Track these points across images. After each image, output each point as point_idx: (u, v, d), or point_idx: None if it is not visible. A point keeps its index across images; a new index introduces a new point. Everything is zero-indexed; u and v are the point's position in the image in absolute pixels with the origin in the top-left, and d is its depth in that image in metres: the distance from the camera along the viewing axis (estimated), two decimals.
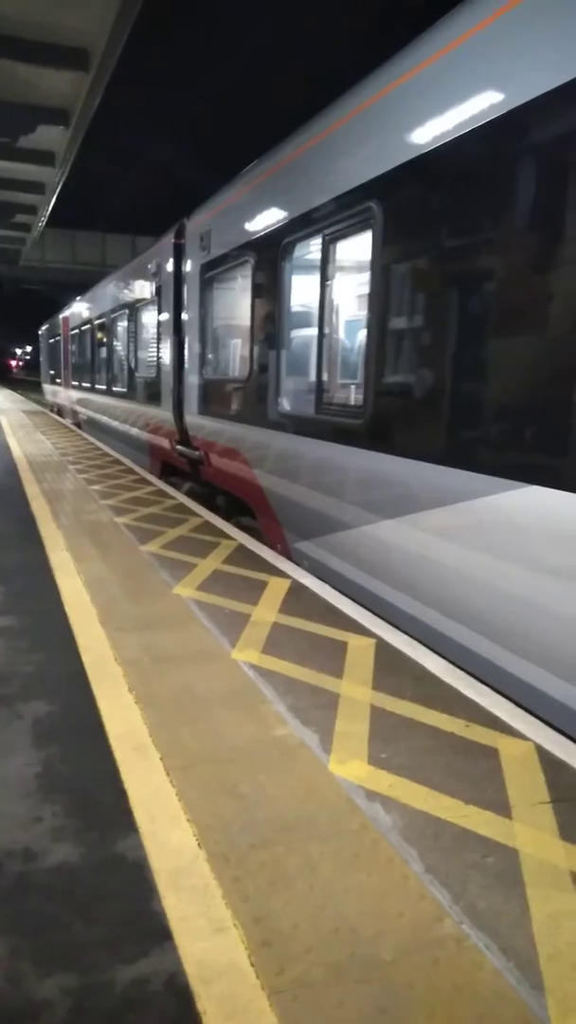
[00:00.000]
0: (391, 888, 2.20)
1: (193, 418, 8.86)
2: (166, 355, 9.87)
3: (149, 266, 10.65)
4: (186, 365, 9.09)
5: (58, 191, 21.49)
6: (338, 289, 5.75)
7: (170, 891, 2.16)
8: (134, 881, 2.22)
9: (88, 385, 17.50)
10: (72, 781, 2.74)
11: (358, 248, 5.10)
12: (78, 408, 20.00)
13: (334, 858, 2.33)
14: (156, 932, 2.02)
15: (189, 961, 1.92)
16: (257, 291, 6.71)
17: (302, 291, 6.22)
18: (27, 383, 52.69)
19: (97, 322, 15.84)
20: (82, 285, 21.39)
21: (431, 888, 2.20)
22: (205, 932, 2.02)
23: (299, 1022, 1.75)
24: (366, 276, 4.80)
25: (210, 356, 8.45)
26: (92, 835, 2.43)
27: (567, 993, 1.84)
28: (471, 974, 1.89)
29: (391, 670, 3.75)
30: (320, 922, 2.06)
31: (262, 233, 6.45)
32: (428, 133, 4.03)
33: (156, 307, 10.37)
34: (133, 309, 12.11)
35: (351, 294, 6.44)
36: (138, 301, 11.65)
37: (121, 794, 2.65)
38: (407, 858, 2.33)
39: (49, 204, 23.37)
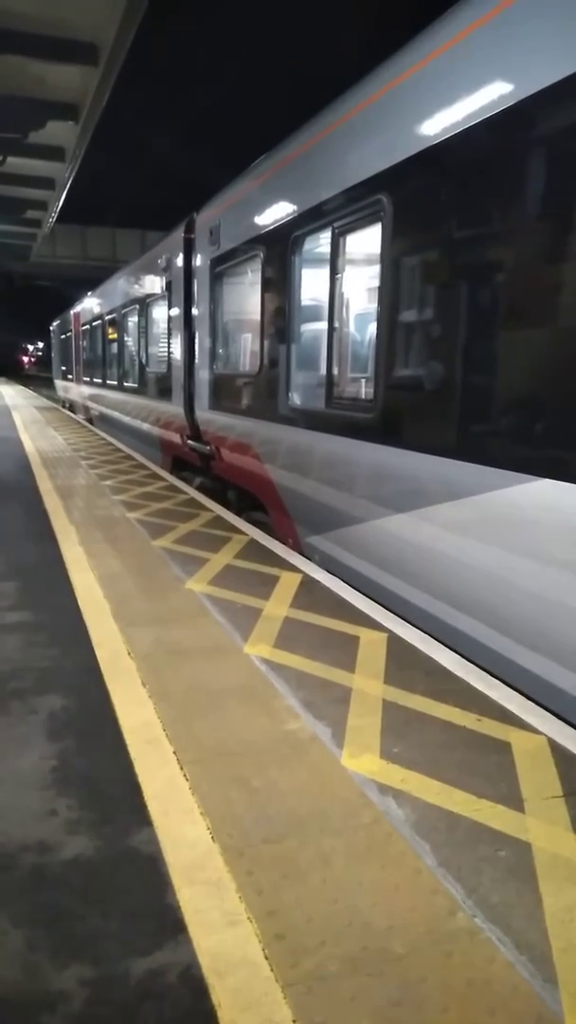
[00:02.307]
0: (404, 882, 2.21)
1: (204, 413, 8.86)
2: (177, 350, 9.88)
3: (159, 261, 10.65)
4: (196, 360, 9.09)
5: (68, 186, 21.48)
6: (348, 283, 5.74)
7: (184, 884, 2.18)
8: (148, 874, 2.23)
9: (99, 381, 17.56)
10: (86, 775, 2.76)
11: (368, 241, 5.08)
12: (90, 404, 20.07)
13: (347, 852, 2.34)
14: (171, 925, 2.03)
15: (204, 954, 1.93)
16: (267, 285, 6.70)
17: (312, 285, 6.20)
18: (39, 379, 52.87)
19: (108, 318, 15.88)
20: (93, 280, 21.41)
21: (444, 882, 2.20)
22: (219, 925, 2.03)
23: (313, 1015, 1.76)
24: (376, 269, 4.79)
25: (220, 351, 8.45)
26: (107, 828, 2.45)
27: None
28: (484, 968, 1.90)
29: (403, 664, 3.75)
30: (333, 916, 2.07)
31: (272, 227, 6.44)
32: (437, 125, 4.01)
33: (166, 302, 10.37)
34: (143, 304, 12.12)
35: (361, 287, 6.42)
36: (148, 296, 11.66)
37: (135, 788, 2.67)
38: (420, 852, 2.34)
39: (59, 200, 23.37)
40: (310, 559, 5.88)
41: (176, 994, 1.82)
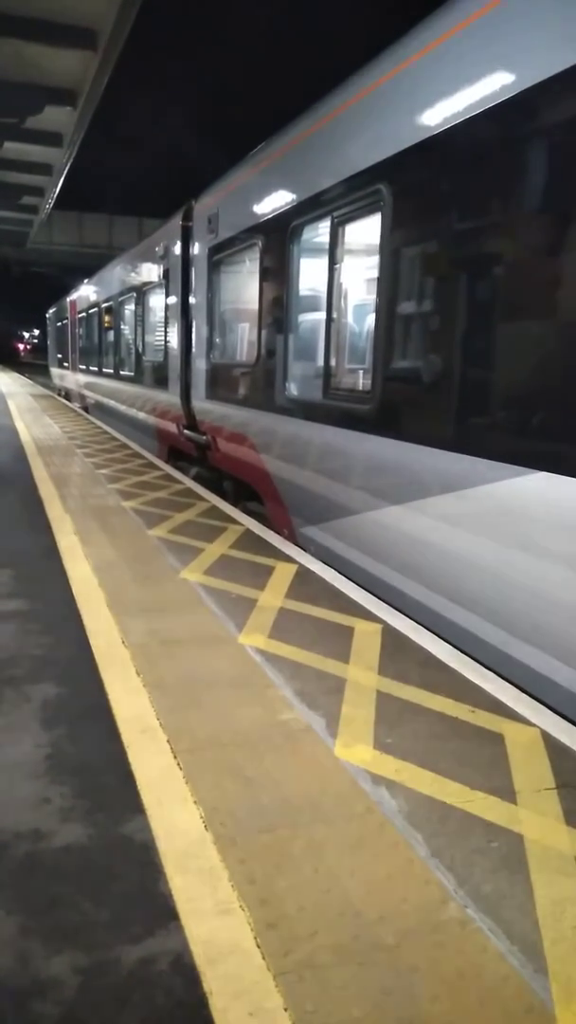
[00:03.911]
0: (396, 872, 2.21)
1: (200, 403, 8.84)
2: (173, 339, 9.84)
3: (156, 249, 10.60)
4: (194, 349, 9.06)
5: (65, 173, 21.38)
6: (347, 273, 5.71)
7: (177, 873, 2.19)
8: (141, 862, 2.24)
9: (95, 369, 17.48)
10: (80, 763, 2.76)
11: (367, 231, 5.06)
12: (85, 392, 19.99)
13: (339, 842, 2.34)
14: (163, 913, 2.04)
15: (195, 942, 1.94)
16: (265, 274, 6.67)
17: (310, 274, 6.17)
18: (35, 366, 52.60)
19: (104, 305, 15.80)
20: (89, 268, 21.32)
21: (436, 872, 2.21)
22: (211, 913, 2.04)
23: (304, 1003, 1.77)
24: (375, 260, 4.77)
25: (218, 340, 8.42)
26: (100, 816, 2.45)
27: (570, 977, 1.85)
28: (475, 958, 1.91)
29: (397, 655, 3.75)
30: (325, 905, 2.08)
31: (271, 215, 6.40)
32: (438, 115, 3.98)
33: (163, 290, 10.32)
34: (140, 292, 12.06)
35: (360, 278, 6.40)
36: (145, 284, 11.60)
37: (129, 776, 2.67)
38: (412, 842, 2.34)
39: (56, 186, 23.28)
40: (305, 550, 5.87)
41: (168, 982, 1.83)
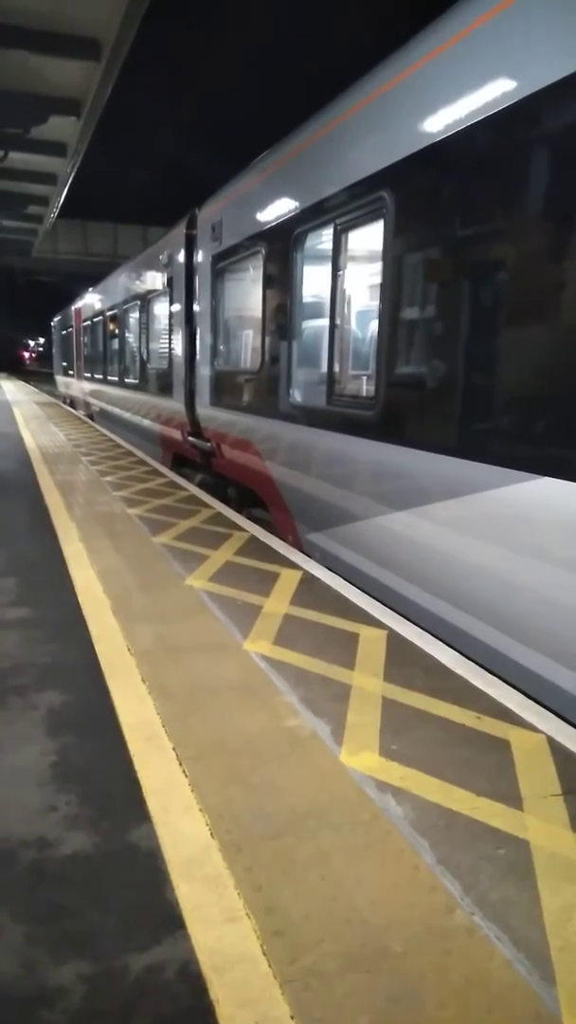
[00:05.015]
0: (402, 879, 2.21)
1: (205, 409, 8.86)
2: (178, 346, 9.87)
3: (161, 257, 10.65)
4: (198, 356, 9.09)
5: (70, 182, 21.47)
6: (350, 280, 5.73)
7: (183, 880, 2.18)
8: (147, 870, 2.24)
9: (100, 377, 17.54)
10: (86, 771, 2.76)
11: (370, 238, 5.07)
12: (90, 400, 20.06)
13: (345, 849, 2.34)
14: (169, 920, 2.04)
15: (202, 950, 1.94)
16: (269, 282, 6.69)
17: (314, 281, 6.20)
18: (40, 375, 52.77)
19: (109, 313, 15.87)
20: (94, 276, 21.39)
21: (442, 879, 2.21)
22: (218, 921, 2.03)
23: (311, 1011, 1.76)
24: (378, 266, 4.78)
25: (222, 347, 8.44)
26: (106, 824, 2.45)
27: None
28: (482, 965, 1.90)
29: (402, 662, 3.75)
30: (331, 912, 2.07)
31: (274, 223, 6.43)
32: (440, 122, 4.00)
33: (168, 298, 10.37)
34: (145, 300, 12.11)
35: (363, 284, 6.42)
36: (150, 292, 11.65)
37: (134, 784, 2.67)
38: (418, 849, 2.34)
39: (61, 195, 23.37)
40: (310, 556, 5.87)
41: (174, 990, 1.82)
